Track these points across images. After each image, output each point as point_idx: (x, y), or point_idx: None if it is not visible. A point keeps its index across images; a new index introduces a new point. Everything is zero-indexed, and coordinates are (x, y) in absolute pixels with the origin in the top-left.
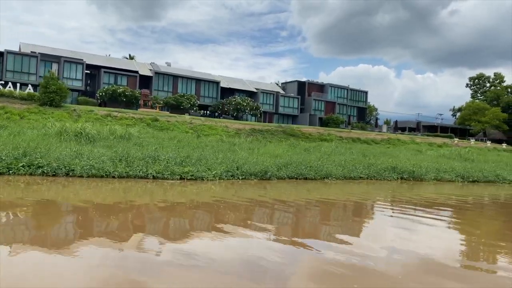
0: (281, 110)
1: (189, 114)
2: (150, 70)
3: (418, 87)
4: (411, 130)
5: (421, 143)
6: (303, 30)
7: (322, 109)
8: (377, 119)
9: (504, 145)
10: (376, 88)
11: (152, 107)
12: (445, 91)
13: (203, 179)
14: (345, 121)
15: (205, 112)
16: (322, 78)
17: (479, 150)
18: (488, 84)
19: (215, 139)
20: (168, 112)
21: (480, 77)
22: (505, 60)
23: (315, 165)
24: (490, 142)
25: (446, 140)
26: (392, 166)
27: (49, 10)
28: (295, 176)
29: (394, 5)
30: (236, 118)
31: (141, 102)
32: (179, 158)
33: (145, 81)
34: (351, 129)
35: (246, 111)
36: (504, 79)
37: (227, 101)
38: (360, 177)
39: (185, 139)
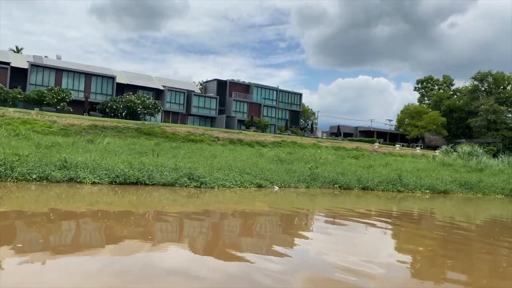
0: (195, 111)
1: (40, 110)
2: (28, 62)
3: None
4: (347, 135)
5: (327, 147)
6: (302, 42)
7: (245, 111)
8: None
9: (437, 152)
10: (377, 99)
11: None
12: None
13: None
14: (273, 125)
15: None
16: (322, 89)
17: (379, 155)
18: (436, 87)
19: None
20: None
21: (429, 79)
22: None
23: None
24: (420, 148)
25: (364, 145)
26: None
27: (50, 20)
28: None
29: (393, 17)
30: (133, 118)
31: None
32: None
33: (20, 74)
34: (254, 131)
35: (139, 109)
36: (453, 82)
37: (119, 99)
38: None
39: None
